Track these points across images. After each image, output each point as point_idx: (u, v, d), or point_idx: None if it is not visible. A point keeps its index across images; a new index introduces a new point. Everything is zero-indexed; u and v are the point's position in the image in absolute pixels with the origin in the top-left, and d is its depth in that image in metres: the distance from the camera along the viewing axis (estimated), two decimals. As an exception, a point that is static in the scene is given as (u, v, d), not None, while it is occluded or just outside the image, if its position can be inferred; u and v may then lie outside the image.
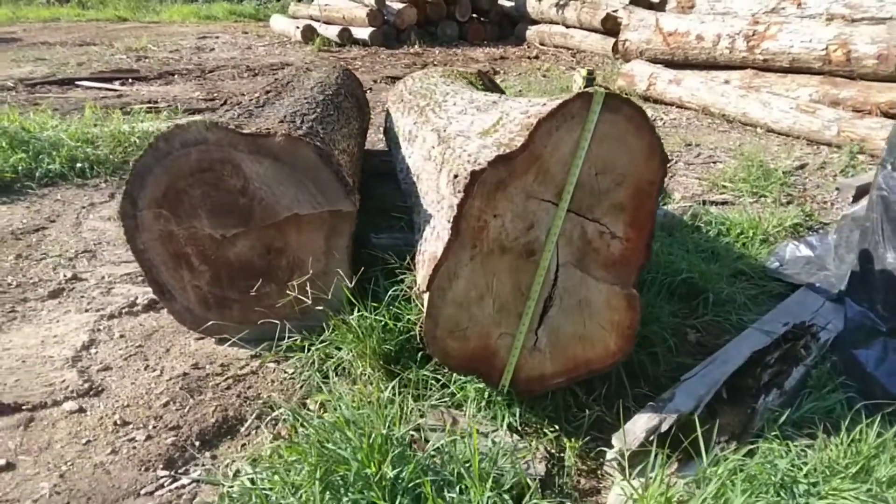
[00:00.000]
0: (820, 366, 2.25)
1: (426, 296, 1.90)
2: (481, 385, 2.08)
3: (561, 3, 10.28)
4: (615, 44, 9.17)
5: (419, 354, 2.19)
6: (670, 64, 6.74)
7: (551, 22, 10.67)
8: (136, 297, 2.76)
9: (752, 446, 1.83)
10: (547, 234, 1.88)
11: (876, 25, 5.20)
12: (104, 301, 2.75)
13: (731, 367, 2.18)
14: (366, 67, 8.31)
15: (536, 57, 9.53)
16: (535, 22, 11.19)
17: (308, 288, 2.32)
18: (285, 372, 2.33)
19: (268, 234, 2.31)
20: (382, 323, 2.20)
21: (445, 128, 2.61)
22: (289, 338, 2.37)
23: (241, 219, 2.28)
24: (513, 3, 11.77)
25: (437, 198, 2.24)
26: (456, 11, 11.22)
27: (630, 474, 1.81)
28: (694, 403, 2.00)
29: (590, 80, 4.67)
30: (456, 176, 1.90)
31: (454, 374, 2.14)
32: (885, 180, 1.99)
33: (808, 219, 3.79)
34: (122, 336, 2.51)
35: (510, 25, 11.91)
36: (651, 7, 7.99)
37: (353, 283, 2.31)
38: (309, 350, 2.31)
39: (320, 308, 2.28)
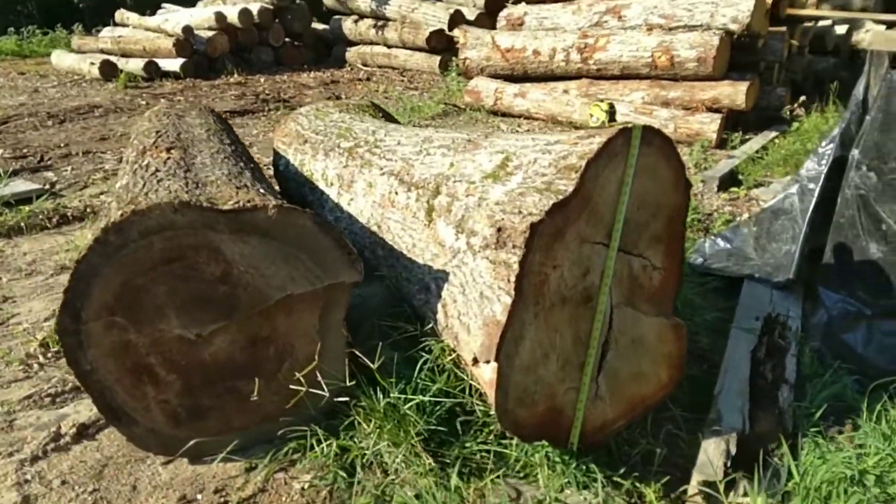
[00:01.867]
0: (803, 354, 2.44)
1: (490, 366, 1.71)
2: (539, 446, 1.93)
3: (379, 24, 10.29)
4: (441, 61, 9.42)
5: (459, 426, 1.98)
6: (510, 78, 7.03)
7: (371, 42, 10.63)
8: (58, 426, 2.17)
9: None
10: (601, 277, 1.79)
11: (690, 32, 5.87)
12: (12, 439, 2.12)
13: (744, 373, 2.27)
14: (191, 103, 7.55)
15: (368, 79, 9.42)
16: (352, 43, 11.07)
17: (300, 376, 1.99)
18: (299, 480, 1.97)
19: (252, 323, 1.94)
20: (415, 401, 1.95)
21: (408, 172, 2.41)
22: (289, 437, 2.03)
23: (222, 311, 1.88)
24: (327, 26, 11.53)
25: (441, 251, 2.05)
26: (269, 37, 10.71)
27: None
28: (740, 417, 2.04)
29: (612, 113, 4.67)
30: (500, 230, 1.73)
31: (506, 441, 1.97)
32: (862, 180, 2.22)
33: (693, 211, 4.13)
34: (63, 483, 1.94)
35: (325, 48, 11.66)
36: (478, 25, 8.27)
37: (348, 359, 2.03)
38: (321, 448, 1.98)
39: (321, 395, 1.97)
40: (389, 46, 10.33)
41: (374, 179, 2.65)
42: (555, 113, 6.47)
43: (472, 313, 1.81)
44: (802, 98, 6.14)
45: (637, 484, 1.90)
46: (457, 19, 9.53)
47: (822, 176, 2.66)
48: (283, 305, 1.94)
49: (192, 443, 1.96)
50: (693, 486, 1.85)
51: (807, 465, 1.92)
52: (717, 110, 5.78)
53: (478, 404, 1.99)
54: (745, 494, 1.79)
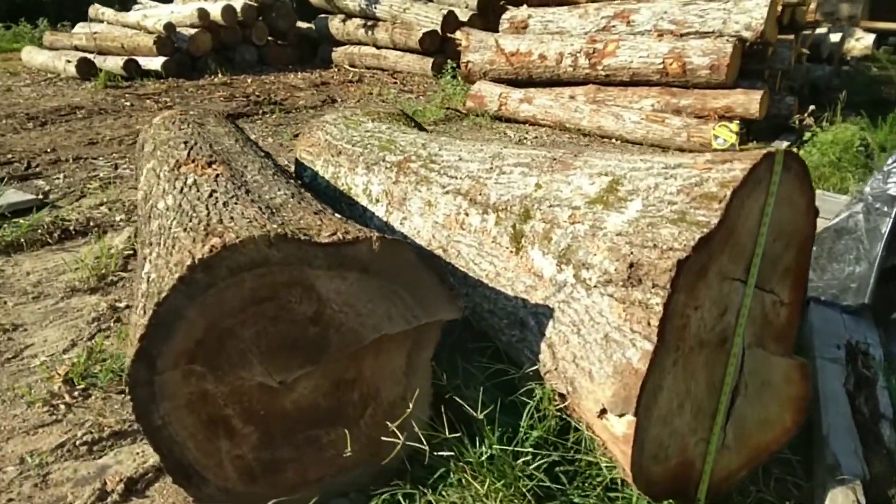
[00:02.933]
0: (890, 384, 2.32)
1: (624, 419, 1.53)
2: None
3: (369, 24, 10.03)
4: (434, 63, 9.22)
5: (563, 478, 1.79)
6: (514, 83, 6.88)
7: (360, 43, 10.37)
8: (101, 481, 1.91)
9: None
10: (737, 317, 1.63)
11: (702, 39, 5.80)
12: (51, 498, 1.86)
13: (844, 409, 2.14)
14: (178, 104, 7.22)
15: (360, 80, 9.16)
16: (339, 43, 10.78)
17: (393, 427, 1.79)
18: (391, 540, 1.76)
19: (338, 367, 1.73)
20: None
21: (481, 192, 2.22)
22: (373, 492, 1.82)
23: (310, 355, 1.66)
24: (312, 25, 11.21)
25: (537, 283, 1.87)
26: (252, 35, 10.35)
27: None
28: (857, 460, 1.90)
29: (742, 135, 4.46)
30: (632, 266, 1.56)
31: (613, 494, 1.79)
32: None
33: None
34: (122, 554, 1.70)
35: (310, 48, 11.34)
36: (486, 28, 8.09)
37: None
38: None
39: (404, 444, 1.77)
40: (379, 47, 10.08)
41: (434, 198, 2.45)
42: (562, 119, 6.34)
43: (595, 358, 1.63)
44: (812, 107, 6.12)
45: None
46: (450, 20, 9.34)
47: (901, 196, 2.56)
48: (373, 346, 1.73)
49: (278, 500, 1.73)
50: (828, 542, 1.71)
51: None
52: (729, 118, 5.71)
53: (587, 457, 1.81)
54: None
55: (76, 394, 2.30)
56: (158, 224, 2.03)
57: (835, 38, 8.09)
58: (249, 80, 8.83)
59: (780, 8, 5.93)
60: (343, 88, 8.62)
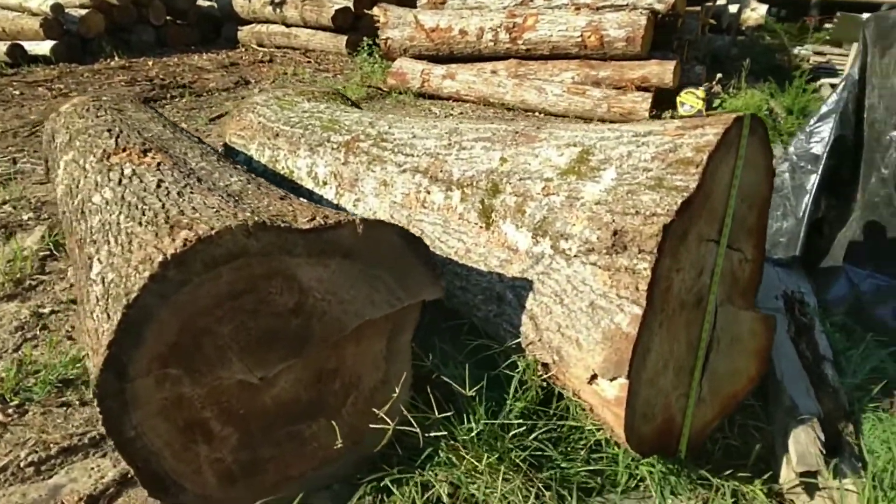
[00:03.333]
0: (825, 329, 2.50)
1: (616, 383, 1.56)
2: (637, 458, 1.82)
3: (277, 1, 9.61)
4: (349, 40, 8.99)
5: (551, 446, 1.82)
6: (436, 59, 6.82)
7: (267, 21, 9.93)
8: (57, 501, 1.76)
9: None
10: (711, 276, 1.69)
11: (618, 12, 5.95)
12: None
13: (790, 354, 2.28)
14: (74, 92, 6.68)
15: (270, 60, 8.78)
16: (244, 22, 10.28)
17: (363, 408, 1.75)
18: (385, 529, 1.73)
19: (320, 357, 1.66)
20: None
21: (442, 168, 2.19)
22: (360, 480, 1.78)
23: (292, 347, 1.58)
24: (213, 3, 10.63)
25: (512, 256, 1.87)
26: (149, 14, 9.67)
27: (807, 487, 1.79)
28: (811, 401, 2.03)
29: (708, 101, 4.39)
30: (616, 233, 1.58)
31: (597, 456, 1.83)
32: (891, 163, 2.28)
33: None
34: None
35: (213, 27, 10.75)
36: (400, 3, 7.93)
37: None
38: (398, 490, 1.75)
39: (384, 430, 1.74)
40: (289, 25, 9.70)
41: (390, 178, 2.39)
42: (486, 95, 6.36)
43: (581, 326, 1.64)
44: (719, 76, 6.43)
45: (736, 481, 1.84)
46: (367, -2, 9.10)
47: (825, 154, 2.73)
48: (354, 332, 1.67)
49: (263, 501, 1.65)
50: (793, 477, 1.82)
51: (872, 441, 1.95)
52: (645, 89, 5.92)
53: (570, 423, 1.84)
54: (835, 478, 1.78)
55: (10, 411, 2.09)
56: (99, 220, 1.86)
57: (733, 8, 8.52)
58: (151, 63, 8.28)
59: (687, -20, 6.16)
60: (254, 69, 8.25)
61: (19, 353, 2.38)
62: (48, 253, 3.10)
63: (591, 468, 1.79)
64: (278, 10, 9.61)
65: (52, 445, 1.94)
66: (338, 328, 1.62)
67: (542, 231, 1.81)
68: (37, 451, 1.92)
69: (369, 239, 1.56)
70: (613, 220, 1.61)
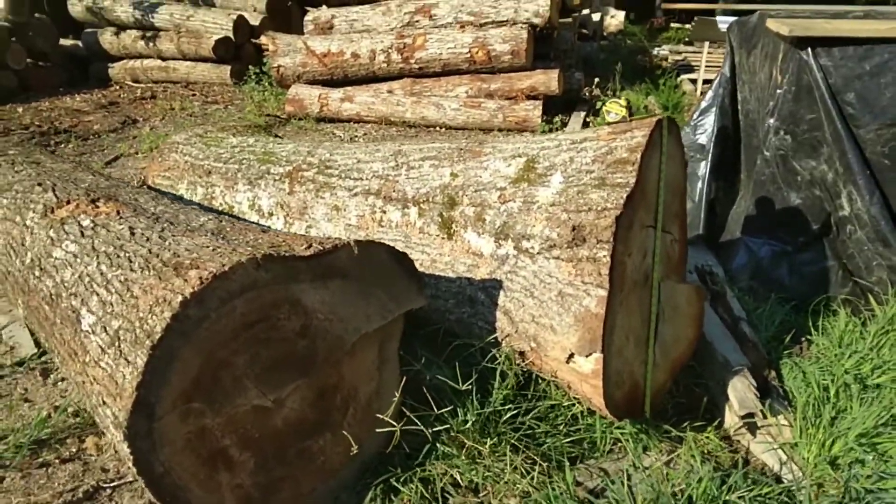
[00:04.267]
0: (737, 293, 2.90)
1: (592, 358, 1.79)
2: (610, 423, 2.07)
3: (148, 35, 9.31)
4: (233, 70, 8.87)
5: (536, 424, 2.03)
6: (331, 83, 6.92)
7: (141, 56, 9.57)
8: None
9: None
10: (654, 257, 1.97)
11: (500, 27, 6.35)
12: None
13: (713, 319, 2.64)
14: (-61, 146, 6.15)
15: (153, 97, 8.48)
16: (114, 59, 9.84)
17: (362, 418, 1.89)
18: (398, 526, 1.86)
19: (323, 375, 1.77)
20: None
21: (394, 188, 2.37)
22: (367, 484, 1.91)
23: (300, 368, 1.69)
24: (78, 42, 10.09)
25: (478, 261, 2.08)
26: (7, 59, 9.05)
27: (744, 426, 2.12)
28: (740, 356, 2.38)
29: (630, 108, 4.56)
30: (575, 228, 1.82)
31: (576, 426, 2.07)
32: (781, 142, 2.68)
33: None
34: None
35: (80, 66, 10.20)
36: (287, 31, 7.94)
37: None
38: (405, 488, 1.89)
39: (381, 436, 1.89)
40: (165, 59, 9.40)
41: (342, 202, 2.52)
42: (386, 114, 6.54)
43: (553, 313, 1.87)
44: (597, 80, 7.00)
45: (692, 432, 2.14)
46: (240, 25, 9.02)
47: (711, 144, 3.15)
48: (351, 347, 1.80)
49: (281, 523, 1.73)
50: (737, 420, 2.14)
51: (792, 382, 2.33)
52: (534, 97, 6.35)
53: (548, 401, 2.06)
54: (766, 416, 2.12)
55: (-13, 478, 2.02)
56: (72, 273, 1.87)
57: (596, 17, 9.27)
58: (20, 110, 7.76)
59: (558, -5, 6.68)
60: (137, 107, 7.95)
61: (-28, 423, 2.27)
62: (-30, 319, 2.92)
63: (573, 438, 2.02)
64: (152, 45, 9.31)
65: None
66: (339, 345, 1.74)
67: (504, 235, 2.02)
68: (29, 516, 1.88)
69: (363, 259, 1.70)
70: (570, 218, 1.85)
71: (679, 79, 7.96)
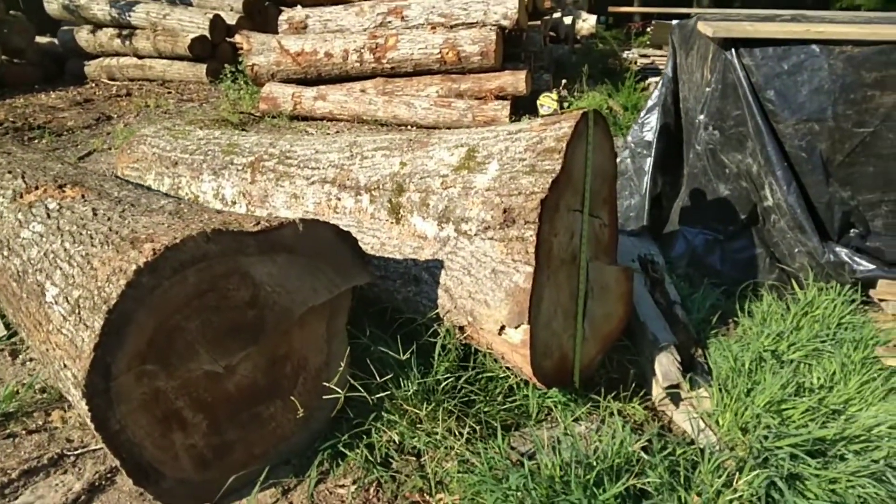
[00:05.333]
0: (673, 280, 3.09)
1: (521, 329, 1.96)
2: (542, 393, 2.23)
3: (125, 33, 9.36)
4: (209, 69, 8.96)
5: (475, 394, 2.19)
6: (304, 82, 7.05)
7: (117, 54, 9.62)
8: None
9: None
10: (581, 239, 2.15)
11: (469, 29, 6.53)
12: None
13: (648, 302, 2.82)
14: (-88, 141, 6.18)
15: (128, 94, 8.54)
16: (90, 56, 9.88)
17: (311, 387, 2.04)
18: (343, 486, 2.01)
19: (273, 344, 1.92)
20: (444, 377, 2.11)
21: (348, 177, 2.52)
22: (317, 449, 2.06)
23: (250, 336, 1.83)
24: (54, 40, 10.10)
25: (423, 243, 2.24)
26: (-18, 55, 9.07)
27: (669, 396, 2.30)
28: (669, 334, 2.57)
29: (561, 102, 4.70)
30: (506, 210, 1.99)
31: (512, 397, 2.23)
32: (710, 137, 2.87)
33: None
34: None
35: (55, 64, 10.21)
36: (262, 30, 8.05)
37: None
38: (351, 452, 2.04)
39: (330, 405, 2.03)
40: (141, 57, 9.46)
41: (300, 191, 2.66)
42: (359, 113, 6.69)
43: (487, 289, 2.03)
44: (564, 81, 7.20)
45: (620, 403, 2.31)
46: (217, 24, 9.12)
47: (655, 140, 3.35)
48: (300, 319, 1.95)
49: (230, 480, 1.88)
50: (661, 392, 2.33)
51: (717, 358, 2.51)
52: (503, 97, 6.54)
53: (487, 374, 2.22)
54: (690, 389, 2.30)
55: (-48, 448, 2.13)
56: (38, 251, 2.00)
57: (567, 20, 9.49)
58: (-5, 106, 7.79)
59: (527, -2, 6.87)
60: (112, 104, 8.01)
61: (-59, 397, 2.38)
62: (-58, 303, 3.02)
63: (508, 407, 2.18)
64: (128, 43, 9.36)
65: (10, 471, 2.03)
66: (287, 316, 1.89)
67: (446, 218, 2.18)
68: (-5, 479, 2.00)
69: (308, 236, 1.85)
70: (502, 201, 2.01)
71: (647, 81, 8.20)
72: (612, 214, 2.36)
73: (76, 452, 2.13)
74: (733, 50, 2.66)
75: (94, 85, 9.50)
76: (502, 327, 1.99)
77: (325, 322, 2.06)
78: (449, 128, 6.48)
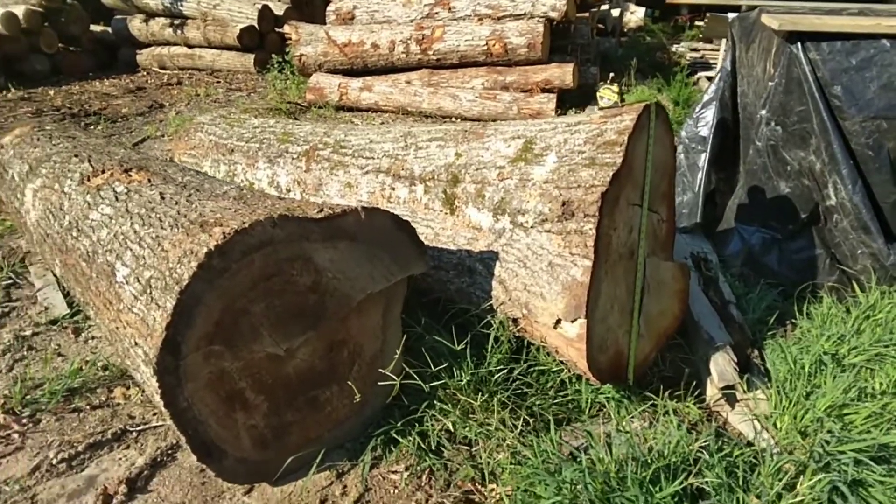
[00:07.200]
0: (729, 279, 3.03)
1: (577, 323, 1.95)
2: (595, 388, 2.22)
3: (176, 23, 9.56)
4: (256, 59, 9.10)
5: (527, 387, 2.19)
6: (350, 72, 7.10)
7: (168, 43, 9.84)
8: (101, 488, 1.94)
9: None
10: (639, 234, 2.12)
11: (517, 21, 6.48)
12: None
13: (703, 300, 2.77)
14: (-24, 125, 6.44)
15: (179, 83, 8.73)
16: (142, 45, 10.12)
17: (366, 374, 2.07)
18: (396, 472, 2.03)
19: (331, 330, 1.95)
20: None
21: (403, 167, 2.53)
22: (371, 434, 2.08)
23: (311, 321, 1.87)
24: (108, 28, 10.38)
25: (477, 235, 2.24)
26: (41, 43, 9.36)
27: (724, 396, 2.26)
28: (724, 334, 2.52)
29: (621, 93, 4.75)
30: (565, 203, 1.97)
31: (565, 392, 2.22)
32: (772, 133, 2.80)
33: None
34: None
35: (109, 52, 10.49)
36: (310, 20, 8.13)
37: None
38: (403, 439, 2.06)
39: (385, 392, 2.06)
40: (191, 46, 9.66)
41: (354, 180, 2.69)
42: (404, 104, 6.71)
43: (543, 282, 2.02)
44: (612, 75, 7.09)
45: (674, 401, 2.28)
46: (265, 14, 9.24)
47: (711, 136, 3.28)
48: (357, 306, 1.97)
49: (289, 460, 1.92)
50: (716, 392, 2.29)
51: (773, 360, 2.46)
52: (549, 90, 6.48)
53: (539, 367, 2.22)
54: (746, 390, 2.26)
55: (24, 421, 2.22)
56: (108, 233, 2.06)
57: (615, 13, 9.34)
58: (52, 93, 8.05)
59: (576, -10, 6.79)
60: (164, 92, 8.20)
61: (13, 372, 2.49)
62: (11, 281, 3.15)
63: (560, 401, 2.18)
64: (179, 32, 9.56)
65: (76, 444, 2.11)
66: (346, 302, 1.92)
67: (501, 210, 2.18)
68: (63, 450, 2.08)
69: (368, 223, 1.87)
70: (561, 194, 2.00)
71: (696, 76, 8.02)
72: (670, 210, 2.33)
73: (138, 428, 2.20)
74: (799, 44, 2.59)
75: (145, 73, 9.74)
76: (558, 321, 1.99)
77: (382, 310, 2.08)
78: (494, 120, 6.44)
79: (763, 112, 2.79)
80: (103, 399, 2.35)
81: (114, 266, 1.92)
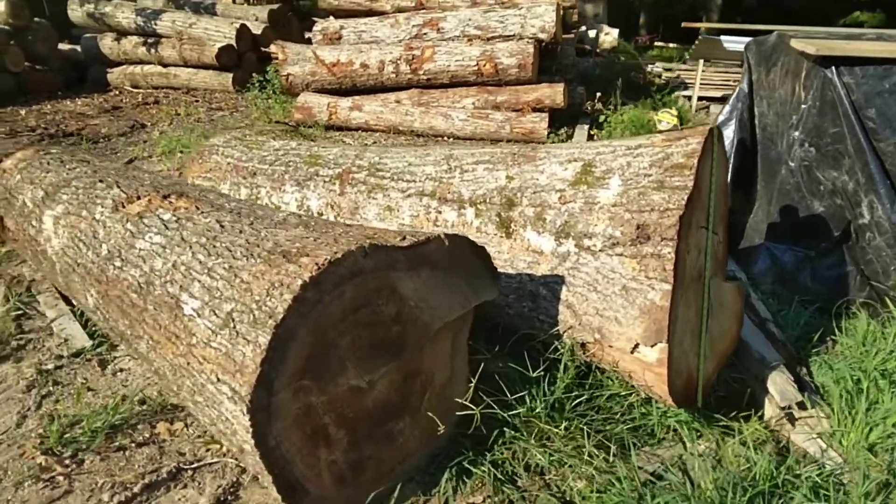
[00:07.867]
0: (761, 296, 3.07)
1: (657, 348, 1.93)
2: (663, 411, 2.21)
3: (150, 41, 9.35)
4: (235, 78, 8.95)
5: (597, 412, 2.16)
6: (339, 92, 7.04)
7: (141, 62, 9.60)
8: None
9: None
10: (706, 256, 2.13)
11: (507, 42, 6.54)
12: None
13: (745, 317, 2.80)
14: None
15: (156, 102, 8.51)
16: (113, 64, 9.85)
17: (436, 403, 2.01)
18: (473, 502, 1.97)
19: (409, 359, 1.89)
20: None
21: (449, 190, 2.50)
22: (440, 466, 2.02)
23: (393, 352, 1.80)
24: (76, 47, 10.08)
25: (539, 258, 2.22)
26: (6, 62, 9.02)
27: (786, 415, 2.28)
28: (774, 353, 2.54)
29: (680, 118, 4.70)
30: (639, 227, 1.97)
31: (632, 415, 2.20)
32: (805, 154, 2.86)
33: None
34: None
35: (77, 71, 10.18)
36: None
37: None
38: (476, 469, 2.01)
39: (452, 421, 2.00)
40: (165, 65, 9.45)
41: (395, 203, 2.64)
42: (395, 123, 6.67)
43: (618, 306, 2.01)
44: (599, 94, 7.22)
45: (739, 422, 2.28)
46: (243, 34, 9.13)
47: (732, 155, 3.34)
48: (433, 334, 1.92)
49: (371, 496, 1.84)
50: (777, 412, 2.30)
51: (821, 378, 2.49)
52: (540, 110, 6.54)
53: (608, 391, 2.19)
54: (802, 408, 2.28)
55: (67, 462, 2.08)
56: (164, 263, 1.96)
57: (592, 34, 9.53)
58: (23, 112, 7.76)
59: (562, 12, 6.90)
60: (142, 111, 7.98)
61: (42, 409, 2.34)
62: (20, 312, 2.98)
63: (630, 426, 2.15)
64: (153, 51, 9.35)
65: (129, 485, 1.98)
66: (426, 331, 1.86)
67: (565, 233, 2.16)
68: (118, 492, 1.96)
69: (450, 250, 1.82)
70: (633, 217, 1.99)
71: (673, 95, 8.23)
72: (727, 230, 2.35)
73: (193, 466, 2.09)
74: (833, 68, 2.67)
75: (118, 92, 9.47)
76: (636, 345, 1.97)
77: (452, 337, 2.03)
78: (487, 139, 6.48)
79: (795, 133, 2.86)
80: (147, 436, 2.23)
81: (178, 298, 1.83)
